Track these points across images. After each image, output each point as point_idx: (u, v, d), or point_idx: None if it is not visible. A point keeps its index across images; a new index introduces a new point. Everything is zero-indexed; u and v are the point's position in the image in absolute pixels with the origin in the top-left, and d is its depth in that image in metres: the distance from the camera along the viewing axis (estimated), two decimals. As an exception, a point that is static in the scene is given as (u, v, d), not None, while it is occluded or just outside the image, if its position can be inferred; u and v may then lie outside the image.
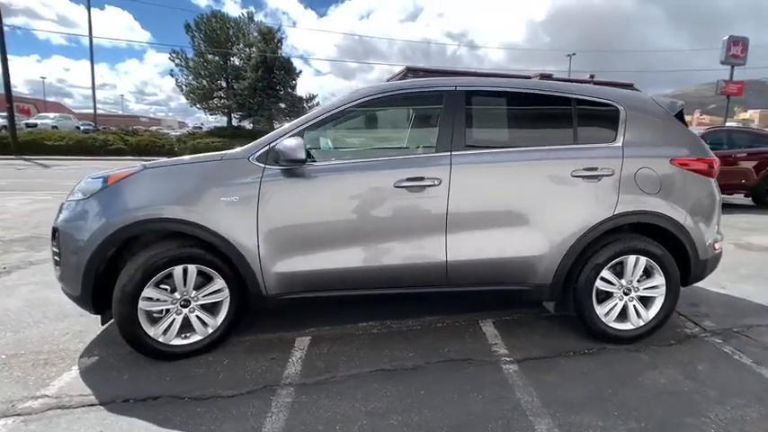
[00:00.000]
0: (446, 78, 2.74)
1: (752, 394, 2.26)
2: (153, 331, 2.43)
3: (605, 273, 2.68)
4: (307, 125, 2.54)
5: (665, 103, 2.87)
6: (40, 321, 3.00)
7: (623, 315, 2.75)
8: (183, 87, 29.92)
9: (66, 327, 2.92)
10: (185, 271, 2.44)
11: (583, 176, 2.61)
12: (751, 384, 2.36)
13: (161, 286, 2.43)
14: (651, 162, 2.67)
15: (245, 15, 29.91)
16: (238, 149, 2.56)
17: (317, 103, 29.82)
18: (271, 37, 28.59)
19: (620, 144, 2.70)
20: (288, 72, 29.80)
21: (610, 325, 2.73)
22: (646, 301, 2.77)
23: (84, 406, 2.09)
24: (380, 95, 2.64)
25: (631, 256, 2.67)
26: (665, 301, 2.74)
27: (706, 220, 2.76)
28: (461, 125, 2.60)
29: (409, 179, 2.50)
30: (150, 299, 2.40)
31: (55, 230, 2.49)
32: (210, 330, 2.57)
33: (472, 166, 2.56)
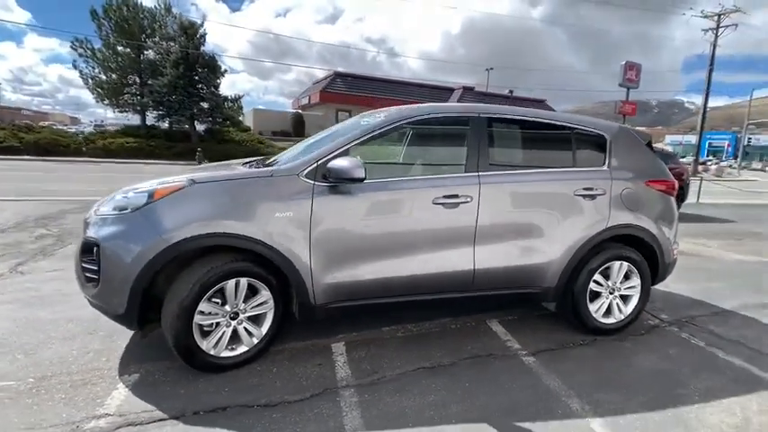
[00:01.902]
0: (470, 105, 3.08)
1: (712, 369, 2.87)
2: (205, 344, 2.46)
3: (597, 276, 3.19)
4: (354, 143, 2.72)
5: (638, 133, 3.49)
6: (47, 342, 2.81)
7: (608, 311, 3.28)
8: (89, 81, 27.11)
9: (81, 346, 2.78)
10: (237, 284, 2.51)
11: (583, 195, 3.09)
12: (709, 362, 2.98)
13: (213, 300, 2.47)
14: (631, 183, 3.25)
15: (162, 6, 27.77)
16: (285, 165, 2.65)
17: (241, 105, 28.65)
18: (193, 32, 26.88)
19: (608, 168, 3.24)
20: (212, 70, 28.22)
21: (599, 320, 3.24)
22: (625, 299, 3.33)
23: (155, 421, 2.09)
24: (422, 117, 2.90)
25: (617, 262, 3.22)
26: (639, 298, 3.33)
27: (669, 230, 3.39)
28: (485, 147, 2.96)
29: (445, 196, 2.80)
30: (203, 312, 2.43)
31: (92, 246, 2.40)
32: (256, 341, 2.64)
33: (496, 184, 2.93)
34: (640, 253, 3.29)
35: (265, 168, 2.66)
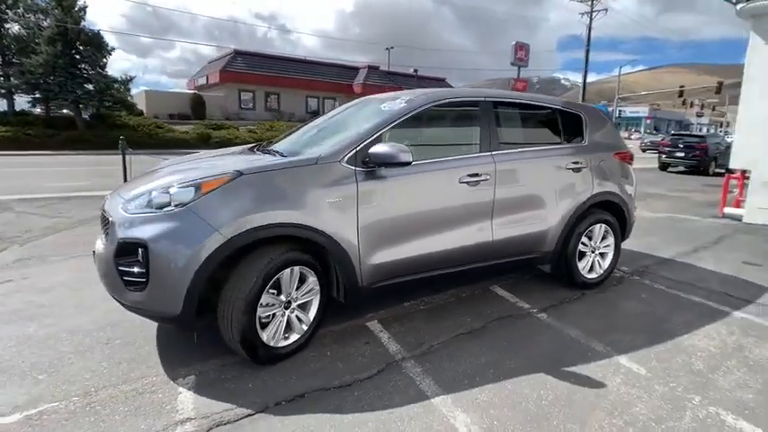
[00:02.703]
0: (476, 89, 3.30)
1: (681, 307, 3.50)
2: (265, 337, 2.43)
3: (583, 238, 3.66)
4: (387, 128, 2.80)
5: (604, 112, 4.00)
6: (63, 358, 2.54)
7: (591, 268, 3.79)
8: (-65, 59, 22.50)
9: (106, 357, 2.56)
10: (291, 273, 2.50)
11: (572, 168, 3.51)
12: (675, 301, 3.61)
13: (270, 291, 2.44)
14: (605, 156, 3.74)
15: None
16: (326, 152, 2.65)
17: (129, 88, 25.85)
18: (70, 3, 23.41)
19: (587, 143, 3.69)
20: (97, 48, 24.92)
21: (585, 276, 3.74)
22: (603, 256, 3.87)
23: (244, 417, 2.06)
24: (442, 101, 3.05)
25: (597, 225, 3.72)
26: (613, 255, 3.89)
27: (632, 194, 3.98)
28: (495, 128, 3.21)
29: (469, 175, 3.01)
30: (263, 305, 2.39)
31: (136, 247, 2.23)
32: (305, 328, 2.65)
33: (507, 162, 3.20)
34: (613, 215, 3.83)
35: (308, 156, 2.63)
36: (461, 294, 3.63)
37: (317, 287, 2.66)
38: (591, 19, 35.01)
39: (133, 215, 2.31)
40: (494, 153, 3.15)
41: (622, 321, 3.20)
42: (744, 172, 7.12)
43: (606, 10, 35.22)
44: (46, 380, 2.33)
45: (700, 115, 69.81)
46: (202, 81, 36.10)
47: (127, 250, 2.26)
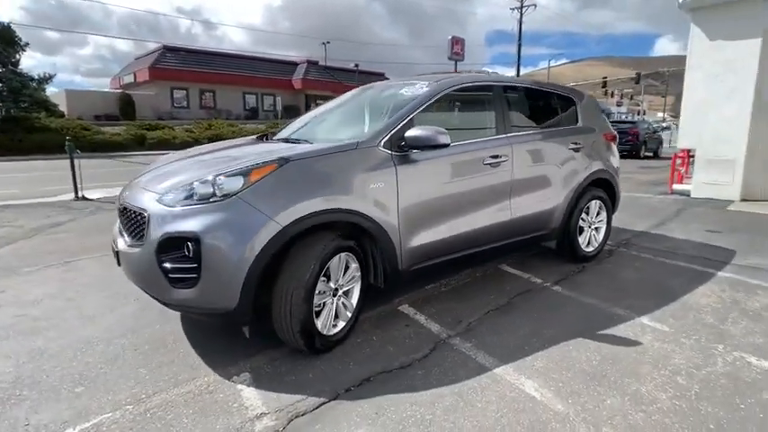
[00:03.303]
0: (488, 75, 3.40)
1: (671, 272, 3.83)
2: (319, 325, 2.39)
3: (583, 215, 3.90)
4: (417, 112, 2.82)
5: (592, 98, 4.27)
6: (95, 369, 2.34)
7: (588, 242, 4.05)
8: None
9: (141, 363, 2.39)
10: (339, 260, 2.47)
11: (573, 149, 3.72)
12: (665, 267, 3.95)
13: (321, 279, 2.39)
14: (596, 137, 4.01)
15: None
16: (364, 137, 2.63)
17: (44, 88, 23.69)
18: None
19: (581, 125, 3.93)
20: (8, 43, 22.56)
21: (585, 250, 3.99)
22: (598, 230, 4.14)
23: (320, 406, 2.02)
24: (462, 85, 3.12)
25: (593, 201, 3.98)
26: (606, 229, 4.18)
27: (619, 172, 4.29)
28: (507, 112, 3.34)
29: (491, 156, 3.11)
30: (318, 293, 2.35)
31: (184, 241, 2.10)
32: (350, 315, 2.63)
33: (521, 144, 3.34)
34: (605, 192, 4.11)
35: (347, 142, 2.59)
36: (476, 275, 3.74)
37: (358, 273, 2.65)
38: (521, 14, 36.73)
39: (177, 208, 2.17)
40: (508, 135, 3.28)
41: (630, 288, 3.45)
42: (689, 151, 7.88)
43: (535, 5, 37.07)
44: (85, 392, 2.14)
45: (619, 104, 75.68)
46: (129, 79, 33.83)
47: (172, 245, 2.13)
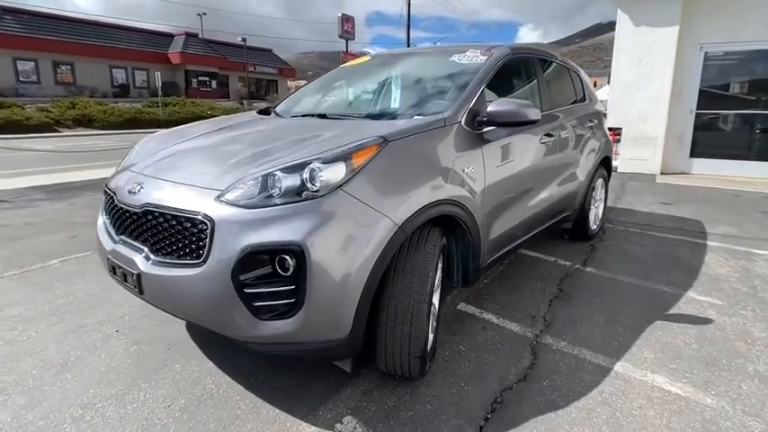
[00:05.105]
0: (526, 45, 3.13)
1: (676, 244, 4.03)
2: (430, 341, 1.97)
3: (592, 193, 3.92)
4: (485, 84, 2.44)
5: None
6: (177, 418, 1.65)
7: (593, 220, 4.10)
8: None
9: (219, 404, 1.75)
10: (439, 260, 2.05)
11: (590, 126, 3.68)
12: (668, 241, 4.14)
13: (426, 287, 1.96)
14: (599, 114, 4.02)
15: None
16: (445, 112, 2.19)
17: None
18: None
19: (588, 102, 3.90)
20: None
21: (592, 227, 4.04)
22: (597, 208, 4.21)
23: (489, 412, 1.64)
24: (511, 57, 2.75)
25: (599, 179, 4.01)
26: (603, 206, 4.27)
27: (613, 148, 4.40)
28: (545, 86, 3.14)
29: (545, 134, 2.89)
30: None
31: (287, 254, 1.51)
32: (435, 325, 2.22)
33: (560, 120, 3.18)
34: (605, 168, 4.19)
35: (433, 117, 2.13)
36: (503, 263, 3.55)
37: (440, 273, 2.25)
38: (409, -2, 37.20)
39: (259, 209, 1.55)
40: (550, 111, 3.09)
41: (649, 263, 3.55)
42: (615, 130, 8.60)
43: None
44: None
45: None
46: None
47: (256, 261, 1.52)
